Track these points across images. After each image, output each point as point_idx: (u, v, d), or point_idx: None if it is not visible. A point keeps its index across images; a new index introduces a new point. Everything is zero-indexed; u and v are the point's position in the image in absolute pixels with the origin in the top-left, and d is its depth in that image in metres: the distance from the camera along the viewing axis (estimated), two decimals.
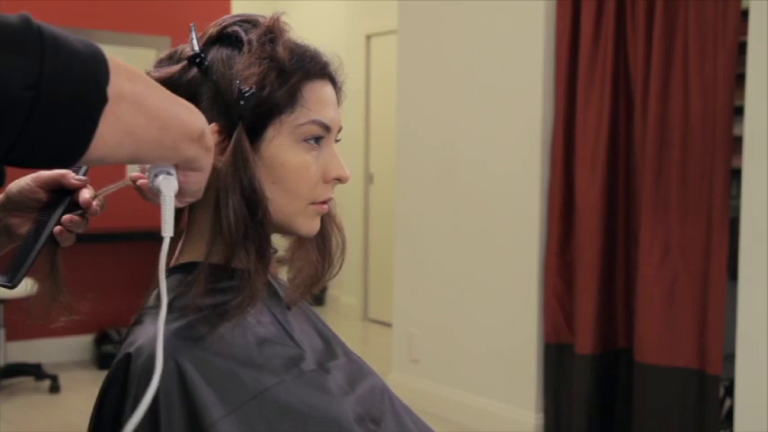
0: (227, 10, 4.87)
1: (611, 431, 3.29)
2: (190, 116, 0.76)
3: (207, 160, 0.80)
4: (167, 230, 0.79)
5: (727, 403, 3.11)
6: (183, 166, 0.79)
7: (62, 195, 0.91)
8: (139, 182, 0.86)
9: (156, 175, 0.79)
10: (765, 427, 2.65)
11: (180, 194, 0.81)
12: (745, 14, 2.80)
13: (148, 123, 0.70)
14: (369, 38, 6.03)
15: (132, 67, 0.70)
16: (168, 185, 0.79)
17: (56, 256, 0.92)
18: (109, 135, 0.66)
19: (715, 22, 2.85)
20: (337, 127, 0.93)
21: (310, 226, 0.94)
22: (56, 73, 0.61)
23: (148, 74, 0.92)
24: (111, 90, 0.65)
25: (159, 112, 0.71)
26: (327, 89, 0.92)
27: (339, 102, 0.94)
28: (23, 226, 0.93)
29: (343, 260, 1.00)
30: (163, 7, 4.86)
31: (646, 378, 3.04)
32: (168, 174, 0.79)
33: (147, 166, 0.82)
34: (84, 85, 0.63)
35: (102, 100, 0.64)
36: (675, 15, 2.98)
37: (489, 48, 3.63)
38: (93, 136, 0.64)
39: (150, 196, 0.84)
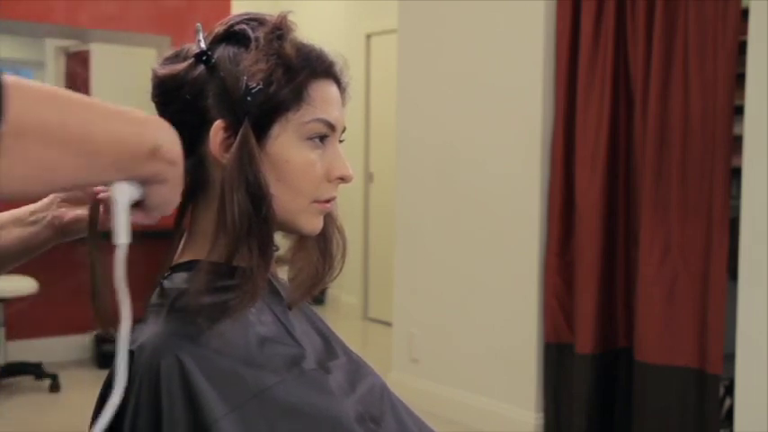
0: (227, 10, 4.87)
1: (611, 431, 3.29)
2: (134, 132, 0.69)
3: (171, 173, 0.73)
4: (119, 237, 0.74)
5: (727, 403, 3.12)
6: (147, 183, 0.73)
7: None
8: (101, 195, 0.82)
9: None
10: (765, 427, 2.65)
11: (146, 210, 0.76)
12: (745, 14, 2.80)
13: (64, 153, 0.63)
14: (369, 37, 6.03)
15: (48, 89, 0.63)
16: (120, 191, 0.72)
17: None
18: (11, 174, 0.60)
19: (715, 22, 2.85)
20: (341, 127, 0.94)
21: (313, 224, 0.94)
22: None
23: (154, 71, 0.92)
24: (11, 124, 0.58)
25: (83, 137, 0.64)
26: (332, 89, 0.93)
27: (343, 102, 0.95)
28: (69, 214, 0.98)
29: (343, 262, 1.01)
30: (163, 7, 4.86)
31: (646, 377, 3.04)
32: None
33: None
34: None
35: None
36: (675, 15, 2.98)
37: (489, 48, 3.63)
38: None
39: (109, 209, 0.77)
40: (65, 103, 0.64)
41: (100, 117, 0.67)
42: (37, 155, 0.61)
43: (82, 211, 0.97)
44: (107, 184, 0.72)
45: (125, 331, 0.73)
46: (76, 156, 0.64)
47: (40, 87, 0.62)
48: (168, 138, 0.73)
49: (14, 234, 0.98)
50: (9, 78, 0.59)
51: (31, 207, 0.99)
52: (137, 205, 0.75)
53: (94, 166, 0.66)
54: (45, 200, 0.99)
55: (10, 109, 0.58)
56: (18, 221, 0.99)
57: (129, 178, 0.71)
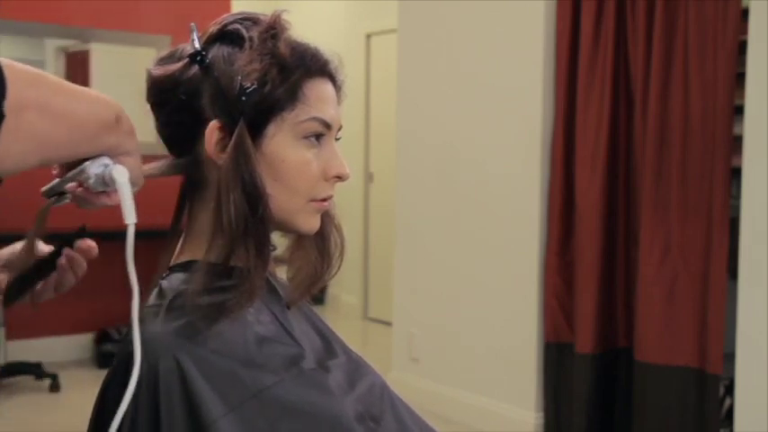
0: (226, 9, 4.86)
1: (611, 430, 3.29)
2: (100, 106, 0.75)
3: (131, 143, 0.79)
4: (130, 217, 0.78)
5: (727, 402, 3.11)
6: (113, 155, 0.77)
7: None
8: (78, 191, 0.81)
9: (95, 174, 0.77)
10: (765, 427, 2.65)
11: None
12: (745, 14, 2.80)
13: (56, 126, 0.68)
14: (369, 37, 6.03)
15: (33, 70, 0.68)
16: (120, 172, 0.77)
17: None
18: (13, 147, 0.64)
19: (715, 22, 2.85)
20: (337, 125, 0.94)
21: (310, 223, 0.94)
22: None
23: (149, 72, 0.92)
24: (11, 102, 0.62)
25: (67, 112, 0.70)
26: (328, 87, 0.93)
27: (339, 101, 0.95)
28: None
29: (341, 261, 1.01)
30: (163, 7, 4.86)
31: (646, 377, 3.04)
32: (105, 165, 0.77)
33: (76, 172, 0.78)
34: None
35: None
36: (675, 15, 2.98)
37: (489, 48, 3.63)
38: None
39: (91, 199, 0.80)
40: (50, 82, 0.69)
41: (75, 94, 0.72)
42: (35, 128, 0.66)
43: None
44: (81, 158, 0.77)
45: (135, 312, 0.79)
46: (65, 129, 0.69)
47: (26, 67, 0.67)
48: (123, 110, 0.78)
49: None
50: (2, 60, 0.63)
51: None
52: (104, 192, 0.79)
53: (75, 138, 0.72)
54: None
55: (11, 88, 0.63)
56: None
57: (100, 151, 0.76)
